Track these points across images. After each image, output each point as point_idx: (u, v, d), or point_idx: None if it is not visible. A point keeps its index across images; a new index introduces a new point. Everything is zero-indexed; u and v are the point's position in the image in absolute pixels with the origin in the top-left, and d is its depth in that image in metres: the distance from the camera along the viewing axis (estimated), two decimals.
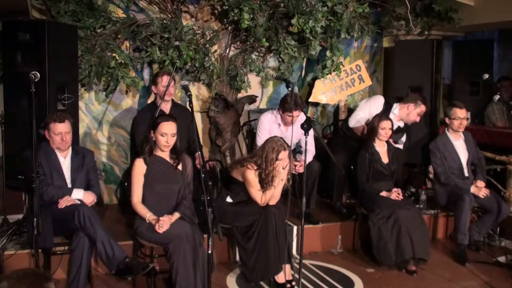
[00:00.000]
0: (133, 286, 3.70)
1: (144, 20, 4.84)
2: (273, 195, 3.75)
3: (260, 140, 4.48)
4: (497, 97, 4.80)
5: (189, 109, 3.43)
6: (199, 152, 3.45)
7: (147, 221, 3.42)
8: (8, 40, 3.87)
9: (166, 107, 4.42)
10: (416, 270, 4.08)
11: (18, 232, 3.92)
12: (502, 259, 4.38)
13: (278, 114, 4.49)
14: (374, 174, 4.39)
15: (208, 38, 4.93)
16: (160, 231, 3.32)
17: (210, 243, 2.86)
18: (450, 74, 6.74)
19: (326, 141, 5.41)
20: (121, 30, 4.76)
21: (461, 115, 4.58)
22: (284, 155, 3.68)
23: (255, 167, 3.74)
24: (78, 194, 3.58)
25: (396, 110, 4.74)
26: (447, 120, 4.67)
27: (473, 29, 6.36)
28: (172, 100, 4.51)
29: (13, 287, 1.67)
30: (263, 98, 5.62)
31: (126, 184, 4.20)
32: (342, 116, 5.78)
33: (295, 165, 4.24)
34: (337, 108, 5.91)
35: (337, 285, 3.88)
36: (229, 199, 3.92)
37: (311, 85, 5.71)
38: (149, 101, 5.02)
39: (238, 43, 5.28)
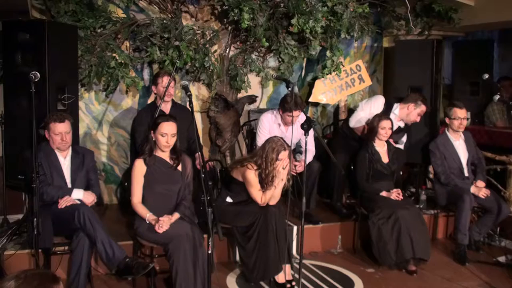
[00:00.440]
0: (133, 286, 3.70)
1: (144, 20, 4.84)
2: (273, 195, 3.75)
3: (260, 140, 4.49)
4: (497, 97, 4.81)
5: (189, 109, 3.43)
6: (199, 152, 3.46)
7: (147, 221, 3.42)
8: (8, 40, 3.87)
9: (166, 107, 4.42)
10: (416, 270, 4.08)
11: (18, 232, 3.92)
12: (502, 259, 4.38)
13: (278, 114, 4.49)
14: (374, 174, 4.39)
15: (208, 38, 4.93)
16: (160, 231, 3.32)
17: (210, 243, 2.86)
18: (450, 74, 6.74)
19: (326, 141, 5.41)
20: (121, 30, 4.76)
21: (461, 115, 4.58)
22: (284, 155, 3.69)
23: (255, 167, 3.74)
24: (78, 194, 3.58)
25: (397, 110, 4.74)
26: (447, 120, 4.67)
27: (473, 29, 6.36)
28: (172, 100, 4.51)
29: (19, 287, 1.67)
30: (263, 98, 5.62)
31: (126, 184, 4.20)
32: (342, 116, 5.78)
33: (295, 165, 4.24)
34: (337, 108, 5.91)
35: (337, 285, 3.88)
36: (229, 199, 3.92)
37: (311, 85, 5.71)
38: (149, 101, 5.02)
39: (238, 43, 5.28)
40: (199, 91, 5.31)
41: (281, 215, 3.73)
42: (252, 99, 5.42)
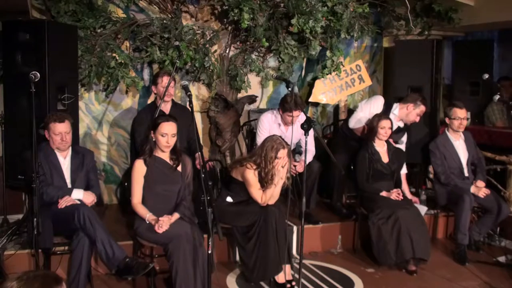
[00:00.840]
0: (133, 286, 3.70)
1: (144, 20, 4.84)
2: (272, 194, 3.75)
3: (260, 140, 4.48)
4: (497, 97, 4.81)
5: (189, 109, 3.43)
6: (199, 152, 3.45)
7: (147, 221, 3.42)
8: (8, 40, 3.87)
9: (166, 107, 4.42)
10: (416, 270, 4.08)
11: (18, 232, 3.92)
12: (502, 259, 4.38)
13: (278, 114, 4.49)
14: (374, 174, 4.39)
15: (208, 38, 4.93)
16: (160, 231, 3.32)
17: (210, 243, 2.86)
18: (450, 74, 6.74)
19: (326, 141, 5.41)
20: (121, 30, 4.76)
21: (461, 115, 4.58)
22: (283, 153, 3.68)
23: (254, 167, 3.74)
24: (78, 194, 3.58)
25: (396, 110, 4.74)
26: (447, 120, 4.67)
27: (473, 29, 6.36)
28: (172, 100, 4.51)
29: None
30: (263, 98, 5.62)
31: (126, 184, 4.20)
32: (342, 116, 5.78)
33: (295, 166, 4.23)
34: (337, 108, 5.90)
35: (337, 285, 3.88)
36: (229, 199, 3.92)
37: (311, 85, 5.71)
38: (149, 101, 5.02)
39: (238, 43, 5.28)
40: (199, 91, 5.31)
41: (281, 215, 3.73)
42: (252, 99, 5.42)
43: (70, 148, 3.68)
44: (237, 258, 4.13)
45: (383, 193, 4.36)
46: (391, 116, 4.66)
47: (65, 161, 3.66)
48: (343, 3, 4.77)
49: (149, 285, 3.62)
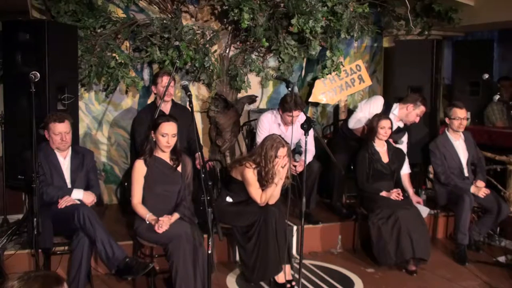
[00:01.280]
0: (133, 286, 3.70)
1: (144, 20, 4.84)
2: (272, 194, 3.75)
3: (260, 139, 4.48)
4: (497, 97, 4.81)
5: (189, 109, 3.43)
6: (199, 152, 3.46)
7: (147, 221, 3.42)
8: (8, 40, 3.87)
9: (166, 107, 4.42)
10: (416, 270, 4.08)
11: (18, 232, 3.92)
12: (502, 259, 4.38)
13: (278, 114, 4.49)
14: (374, 174, 4.39)
15: (208, 38, 4.93)
16: (160, 231, 3.32)
17: (210, 243, 2.86)
18: (450, 74, 6.74)
19: (326, 141, 5.41)
20: (121, 30, 4.76)
21: (461, 115, 4.58)
22: (283, 152, 3.68)
23: (254, 166, 3.74)
24: (78, 194, 3.58)
25: (396, 110, 4.73)
26: (447, 120, 4.67)
27: (473, 29, 6.36)
28: (172, 100, 4.51)
29: None
30: (263, 98, 5.62)
31: (126, 184, 4.20)
32: (342, 116, 5.78)
33: (295, 166, 4.23)
34: (337, 108, 5.90)
35: (337, 285, 3.88)
36: (229, 199, 3.92)
37: (311, 85, 5.71)
38: (149, 101, 5.02)
39: (238, 43, 5.28)
40: (199, 91, 5.31)
41: (281, 215, 3.73)
42: (252, 99, 5.42)
43: (70, 148, 3.68)
44: (237, 258, 4.13)
45: (383, 193, 4.36)
46: (391, 116, 4.65)
47: (65, 161, 3.66)
48: (343, 3, 4.77)
49: (149, 285, 3.62)
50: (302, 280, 3.79)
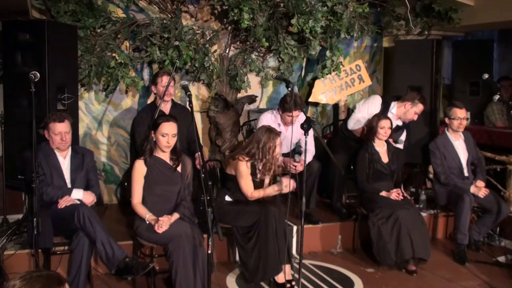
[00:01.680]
0: (133, 286, 3.70)
1: (144, 20, 4.84)
2: (264, 195, 3.80)
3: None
4: (497, 97, 4.81)
5: (189, 109, 3.43)
6: (199, 152, 3.46)
7: (147, 221, 3.42)
8: (8, 40, 3.87)
9: (166, 107, 4.42)
10: (416, 270, 4.08)
11: (18, 232, 3.92)
12: (502, 259, 4.38)
13: (278, 114, 4.49)
14: (374, 174, 4.39)
15: (208, 38, 4.93)
16: (159, 231, 3.32)
17: (210, 243, 2.86)
18: (450, 74, 6.74)
19: (326, 141, 5.41)
20: (121, 30, 4.76)
21: (460, 115, 4.58)
22: (278, 141, 3.76)
23: (247, 158, 3.76)
24: (78, 194, 3.58)
25: (394, 109, 4.74)
26: (447, 120, 4.67)
27: (473, 29, 6.36)
28: (172, 100, 4.51)
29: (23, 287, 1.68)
30: (263, 98, 5.62)
31: (126, 184, 4.20)
32: (342, 116, 5.78)
33: (294, 166, 4.23)
34: (337, 108, 5.90)
35: (337, 285, 3.88)
36: (228, 198, 3.92)
37: (311, 85, 5.71)
38: (149, 101, 5.02)
39: (238, 43, 5.28)
40: (199, 91, 5.31)
41: (281, 215, 3.73)
42: (252, 99, 5.42)
43: (70, 148, 3.68)
44: (237, 258, 4.13)
45: (383, 193, 4.36)
46: (389, 115, 4.66)
47: (65, 161, 3.66)
48: (343, 3, 4.77)
49: (149, 285, 3.62)
50: (302, 280, 3.79)
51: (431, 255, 4.17)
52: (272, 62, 5.54)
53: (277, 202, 3.84)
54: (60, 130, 3.53)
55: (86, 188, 3.68)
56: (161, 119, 3.56)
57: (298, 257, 3.85)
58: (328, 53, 5.30)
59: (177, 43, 4.56)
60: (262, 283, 3.82)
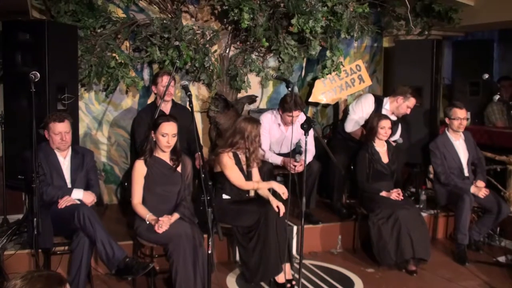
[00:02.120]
0: (133, 286, 3.70)
1: (144, 20, 4.84)
2: (258, 187, 3.90)
3: (261, 140, 4.48)
4: (497, 97, 4.81)
5: (189, 109, 3.43)
6: (199, 152, 3.46)
7: (147, 222, 3.42)
8: (8, 40, 3.87)
9: (166, 107, 4.42)
10: (416, 270, 4.08)
11: (18, 232, 3.92)
12: (502, 259, 4.38)
13: (278, 114, 4.49)
14: (374, 174, 4.39)
15: (208, 38, 4.92)
16: (159, 231, 3.32)
17: (210, 243, 2.86)
18: (450, 74, 6.74)
19: (326, 141, 5.41)
20: (121, 30, 4.76)
21: (461, 115, 4.59)
22: (260, 128, 3.88)
23: (227, 149, 3.81)
24: (78, 194, 3.57)
25: (387, 105, 4.80)
26: (447, 120, 4.67)
27: (473, 29, 6.36)
28: (172, 100, 4.51)
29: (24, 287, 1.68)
30: (263, 98, 5.62)
31: (126, 184, 4.20)
32: (342, 115, 5.78)
33: (294, 166, 4.23)
34: (337, 108, 5.90)
35: (337, 285, 3.88)
36: (225, 196, 3.91)
37: (311, 85, 5.71)
38: (149, 101, 5.02)
39: (238, 43, 5.28)
40: (199, 91, 5.31)
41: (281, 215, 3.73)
42: (252, 99, 5.41)
43: (70, 148, 3.68)
44: (237, 258, 4.13)
45: (383, 193, 4.36)
46: (383, 111, 4.71)
47: (65, 161, 3.66)
48: (343, 3, 4.77)
49: (149, 285, 3.62)
50: (302, 280, 3.79)
51: (431, 255, 4.18)
52: (272, 62, 5.53)
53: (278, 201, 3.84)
54: (60, 130, 3.53)
55: (86, 188, 3.68)
56: (161, 119, 3.56)
57: (298, 257, 3.85)
58: (328, 53, 5.30)
59: (177, 43, 4.56)
60: (262, 283, 3.81)
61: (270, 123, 4.51)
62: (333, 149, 4.64)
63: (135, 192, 3.52)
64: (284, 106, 4.31)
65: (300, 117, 4.33)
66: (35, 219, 3.17)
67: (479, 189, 4.49)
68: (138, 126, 4.44)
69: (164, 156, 3.58)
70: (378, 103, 4.81)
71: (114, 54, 4.61)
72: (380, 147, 4.45)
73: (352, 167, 4.61)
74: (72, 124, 3.64)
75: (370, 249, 4.23)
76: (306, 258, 4.30)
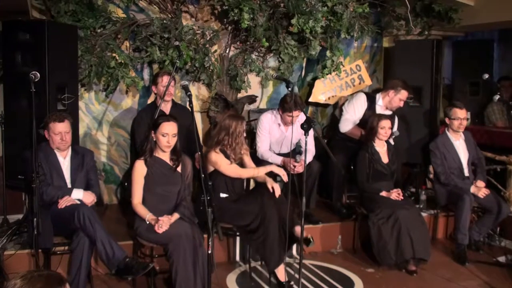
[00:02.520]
0: (133, 286, 3.70)
1: (144, 20, 4.84)
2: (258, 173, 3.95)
3: (260, 140, 4.49)
4: (497, 97, 4.81)
5: (189, 109, 3.43)
6: (199, 152, 3.46)
7: (147, 222, 3.42)
8: (8, 40, 3.87)
9: (166, 107, 4.42)
10: (416, 270, 4.08)
11: (18, 232, 3.92)
12: (502, 259, 4.38)
13: (278, 114, 4.49)
14: (374, 174, 4.39)
15: (208, 38, 4.93)
16: (160, 231, 3.32)
17: (210, 243, 2.86)
18: (450, 74, 6.74)
19: (326, 141, 5.41)
20: (121, 30, 4.76)
21: (461, 115, 4.59)
22: (244, 124, 3.94)
23: (214, 147, 3.85)
24: (78, 194, 3.57)
25: (380, 100, 4.83)
26: (447, 120, 4.67)
27: (473, 29, 6.36)
28: (172, 100, 4.52)
29: (23, 287, 1.68)
30: (263, 98, 5.62)
31: (126, 184, 4.19)
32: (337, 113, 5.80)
33: (295, 166, 4.23)
34: (337, 108, 5.90)
35: (337, 285, 3.89)
36: (223, 195, 3.91)
37: (311, 85, 5.71)
38: (149, 101, 5.02)
39: (238, 43, 5.28)
40: (199, 91, 5.31)
41: (281, 207, 3.73)
42: (252, 99, 5.41)
43: (70, 148, 3.68)
44: (237, 258, 4.13)
45: (383, 193, 4.36)
46: (377, 107, 4.74)
47: (65, 161, 3.66)
48: (343, 3, 4.77)
49: (149, 285, 3.62)
50: (302, 280, 3.78)
51: (431, 255, 4.18)
52: (272, 62, 5.53)
53: (279, 199, 3.84)
54: (60, 130, 3.53)
55: (86, 188, 3.68)
56: (161, 119, 3.56)
57: (298, 257, 3.85)
58: (328, 53, 5.30)
59: (177, 43, 4.56)
60: (262, 283, 3.82)
61: (270, 123, 4.51)
62: (333, 149, 4.64)
63: (135, 192, 3.52)
64: (284, 106, 4.31)
65: (300, 117, 4.33)
66: (35, 219, 3.17)
67: (479, 189, 4.49)
68: (138, 126, 4.44)
69: (164, 156, 3.58)
70: (371, 101, 4.83)
71: (114, 54, 4.61)
72: (380, 147, 4.45)
73: (352, 167, 4.61)
74: (72, 124, 3.64)
75: (370, 249, 4.23)
76: (306, 258, 4.30)
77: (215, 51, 5.13)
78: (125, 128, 5.10)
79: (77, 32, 4.35)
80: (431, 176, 5.24)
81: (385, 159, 4.44)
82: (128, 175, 4.05)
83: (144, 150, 3.57)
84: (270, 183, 3.83)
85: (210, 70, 4.96)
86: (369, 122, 4.54)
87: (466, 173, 4.67)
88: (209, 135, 5.28)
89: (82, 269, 3.33)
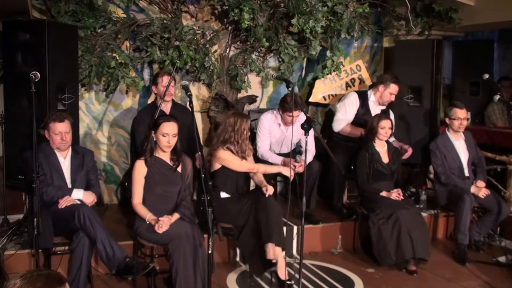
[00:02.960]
0: (133, 286, 3.70)
1: (144, 20, 4.84)
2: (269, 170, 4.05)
3: (261, 140, 4.49)
4: (497, 97, 4.81)
5: (189, 109, 3.43)
6: (199, 152, 3.46)
7: (147, 222, 3.42)
8: (8, 40, 3.87)
9: (166, 107, 4.42)
10: (416, 270, 4.08)
11: (18, 232, 3.92)
12: (502, 259, 4.38)
13: (278, 114, 4.49)
14: (374, 174, 4.39)
15: (208, 38, 4.93)
16: (160, 231, 3.32)
17: (210, 243, 2.86)
18: (450, 74, 6.73)
19: (326, 141, 5.41)
20: (121, 30, 4.76)
21: (461, 115, 4.59)
22: (249, 122, 3.98)
23: (221, 145, 3.87)
24: (78, 194, 3.58)
25: (372, 96, 4.84)
26: (447, 120, 4.67)
27: (473, 29, 6.36)
28: (172, 100, 4.52)
29: (23, 286, 1.68)
30: (263, 98, 5.62)
31: (126, 184, 4.19)
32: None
33: (295, 166, 4.24)
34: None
35: (337, 285, 3.88)
36: (224, 195, 3.91)
37: (311, 85, 5.71)
38: (149, 101, 5.02)
39: (238, 43, 5.28)
40: (199, 91, 5.31)
41: (274, 204, 3.79)
42: (252, 99, 5.41)
43: (70, 148, 3.68)
44: (237, 258, 4.13)
45: (383, 193, 4.36)
46: (370, 103, 4.75)
47: (65, 161, 3.66)
48: (343, 3, 4.77)
49: (149, 285, 3.62)
50: (302, 280, 3.79)
51: (431, 255, 4.18)
52: (272, 62, 5.53)
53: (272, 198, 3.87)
54: (60, 130, 3.53)
55: (87, 188, 3.68)
56: (161, 119, 3.56)
57: (298, 257, 3.85)
58: (328, 53, 5.30)
59: (177, 43, 4.56)
60: (262, 283, 3.82)
61: (270, 123, 4.51)
62: (333, 149, 4.64)
63: (136, 192, 3.52)
64: (284, 106, 4.32)
65: (300, 117, 4.33)
66: (35, 219, 3.17)
67: (479, 189, 4.49)
68: (138, 126, 4.44)
69: (165, 156, 3.59)
70: (363, 98, 4.86)
71: (114, 54, 4.61)
72: (380, 147, 4.45)
73: (352, 167, 4.61)
74: (72, 124, 3.64)
75: (370, 249, 4.23)
76: (306, 258, 4.30)
77: (215, 51, 5.13)
78: (125, 128, 5.10)
79: (77, 32, 4.35)
80: (431, 176, 5.24)
81: (385, 159, 4.44)
82: (128, 175, 4.05)
83: (144, 150, 3.57)
84: (265, 186, 3.88)
85: (210, 70, 4.96)
86: (369, 122, 4.54)
87: (466, 173, 4.67)
88: (210, 135, 5.28)
89: (82, 269, 3.33)
